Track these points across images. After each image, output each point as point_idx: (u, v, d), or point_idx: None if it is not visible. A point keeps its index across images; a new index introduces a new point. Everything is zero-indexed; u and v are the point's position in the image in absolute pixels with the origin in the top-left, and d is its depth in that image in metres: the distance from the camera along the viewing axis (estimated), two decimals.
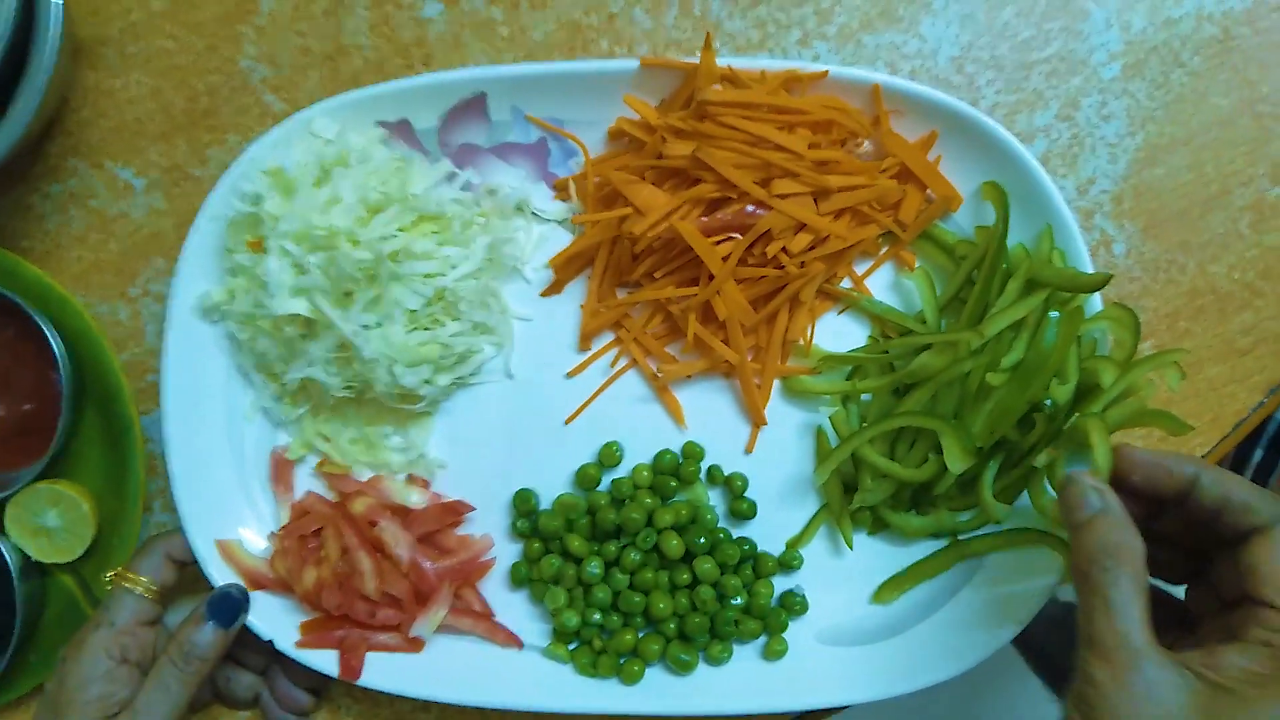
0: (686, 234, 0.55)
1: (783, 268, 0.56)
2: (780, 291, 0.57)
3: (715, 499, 0.61)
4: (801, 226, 0.55)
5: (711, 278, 0.56)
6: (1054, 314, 0.53)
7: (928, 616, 0.58)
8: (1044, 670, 1.46)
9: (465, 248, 0.57)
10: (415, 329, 0.57)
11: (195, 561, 0.58)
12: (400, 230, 0.56)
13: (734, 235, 0.56)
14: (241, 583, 0.58)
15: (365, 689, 0.64)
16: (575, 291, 0.62)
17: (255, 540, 0.60)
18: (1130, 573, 0.41)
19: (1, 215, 0.66)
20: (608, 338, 0.61)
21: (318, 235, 0.55)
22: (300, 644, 0.58)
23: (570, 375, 0.61)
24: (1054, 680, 1.44)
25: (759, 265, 0.57)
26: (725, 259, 0.56)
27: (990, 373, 0.52)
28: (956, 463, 0.53)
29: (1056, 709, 1.41)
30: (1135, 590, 0.41)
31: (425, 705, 0.64)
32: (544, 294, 0.61)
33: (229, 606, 0.56)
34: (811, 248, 0.56)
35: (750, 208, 0.55)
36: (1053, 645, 1.41)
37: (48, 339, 0.62)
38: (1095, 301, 0.55)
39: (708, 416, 0.61)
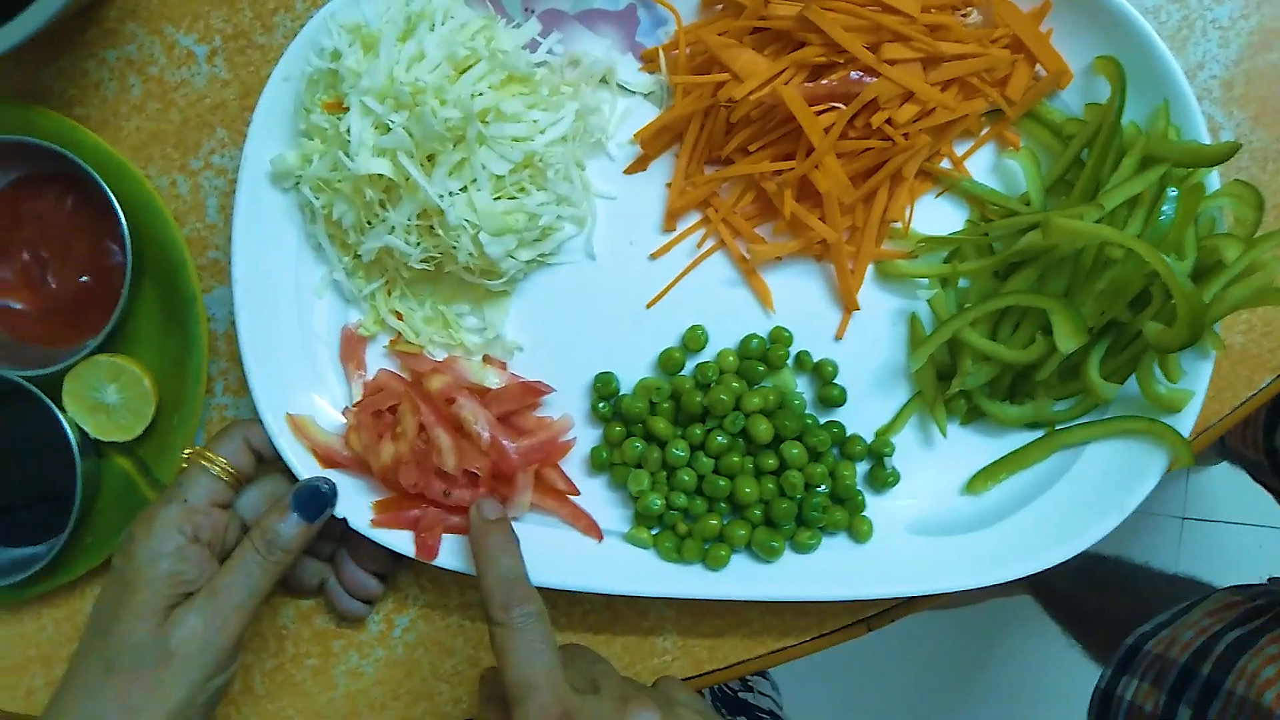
0: (789, 99, 0.52)
1: (888, 140, 0.54)
2: (881, 168, 0.55)
3: (802, 386, 0.59)
4: (909, 96, 0.53)
5: (809, 153, 0.54)
6: (1172, 191, 0.51)
7: (1022, 508, 0.56)
8: (1064, 617, 1.46)
9: (554, 112, 0.55)
10: (500, 197, 0.55)
11: (273, 454, 0.56)
12: (490, 89, 0.53)
13: (836, 106, 0.54)
14: (327, 475, 0.56)
15: (433, 579, 0.62)
16: (660, 170, 0.59)
17: (327, 416, 0.58)
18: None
19: (57, 81, 0.63)
20: (693, 219, 0.59)
21: (402, 92, 0.52)
22: (375, 523, 0.56)
23: (654, 257, 0.59)
24: (1076, 627, 1.44)
25: (861, 138, 0.54)
26: (827, 130, 0.53)
27: (1110, 246, 0.50)
28: (1068, 342, 0.51)
29: (1077, 654, 1.42)
30: None
31: None
32: (628, 171, 0.59)
33: (316, 500, 0.53)
34: (916, 121, 0.54)
35: (856, 74, 0.53)
36: (1074, 591, 1.41)
37: (106, 209, 0.59)
38: (1214, 179, 0.53)
39: (796, 301, 0.58)
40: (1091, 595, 1.39)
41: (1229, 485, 1.68)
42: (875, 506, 0.58)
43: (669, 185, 0.58)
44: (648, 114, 0.59)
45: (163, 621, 0.50)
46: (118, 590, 0.51)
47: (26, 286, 0.62)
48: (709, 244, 0.59)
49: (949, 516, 0.57)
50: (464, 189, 0.54)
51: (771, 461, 0.56)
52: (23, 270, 0.61)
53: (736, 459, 0.56)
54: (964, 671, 1.64)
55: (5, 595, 0.62)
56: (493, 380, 0.58)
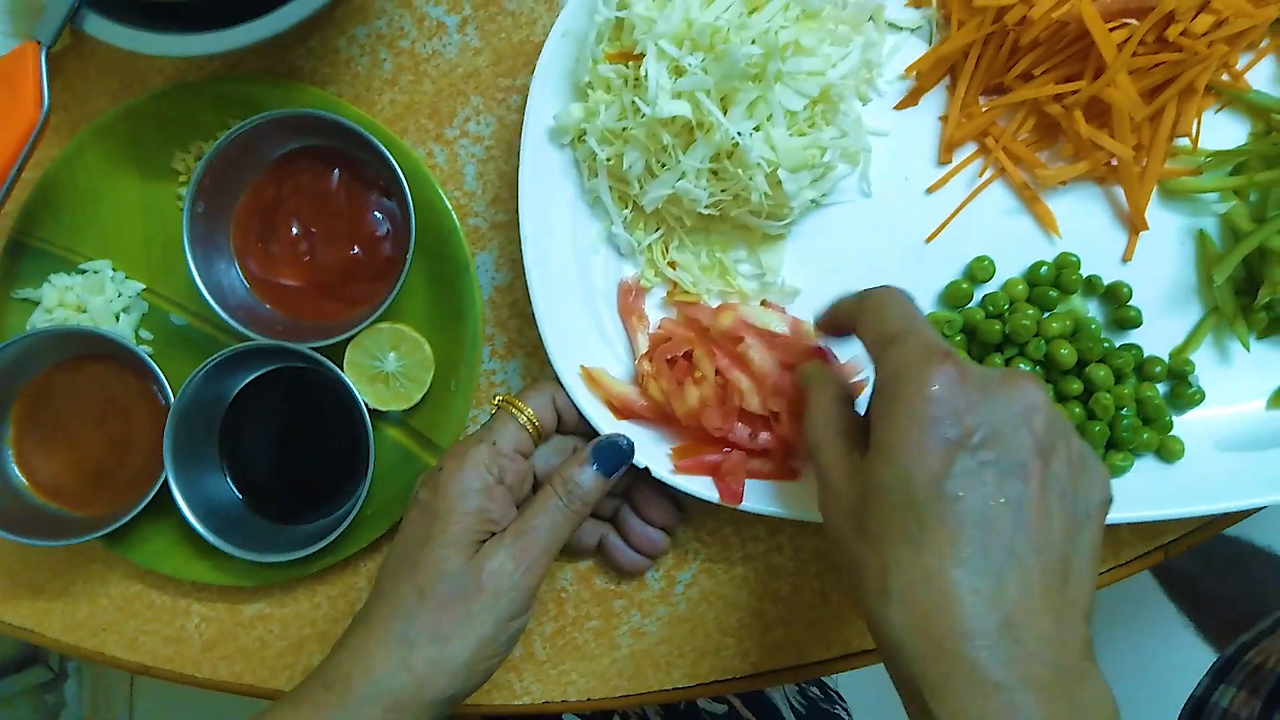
0: (1088, 16, 0.52)
1: (1180, 50, 0.53)
2: (1170, 84, 0.55)
3: (1090, 311, 0.58)
4: (1204, 5, 0.53)
5: (1098, 74, 0.54)
6: None
7: None
8: (1180, 596, 1.43)
9: (843, 46, 0.55)
10: (793, 133, 0.55)
11: (573, 419, 0.56)
12: (787, 24, 0.53)
13: (1127, 22, 0.54)
14: (622, 430, 0.56)
15: (712, 533, 0.62)
16: (930, 104, 0.59)
17: (614, 370, 0.58)
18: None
19: (308, 60, 0.63)
20: (968, 151, 0.59)
21: (701, 33, 0.52)
22: (677, 469, 0.56)
23: (930, 191, 0.59)
24: (1190, 606, 1.41)
25: (1149, 54, 0.54)
26: (1120, 47, 0.53)
27: None
28: None
29: (1192, 636, 1.39)
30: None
31: (779, 546, 0.62)
32: (899, 106, 0.59)
33: (615, 455, 0.53)
34: (1209, 32, 0.54)
35: None
36: (1193, 570, 1.39)
37: (369, 181, 0.61)
38: None
39: (1078, 226, 0.58)
40: (1208, 575, 1.37)
41: None
42: (1179, 426, 0.57)
43: (942, 118, 0.58)
44: (913, 51, 0.59)
45: (472, 555, 0.50)
46: (426, 521, 0.51)
47: (293, 263, 0.62)
48: (988, 174, 0.58)
49: (1257, 431, 0.56)
50: (757, 128, 0.54)
51: (1075, 386, 0.55)
52: (291, 244, 0.62)
53: None
54: None
55: (292, 571, 0.62)
56: (776, 324, 0.58)
